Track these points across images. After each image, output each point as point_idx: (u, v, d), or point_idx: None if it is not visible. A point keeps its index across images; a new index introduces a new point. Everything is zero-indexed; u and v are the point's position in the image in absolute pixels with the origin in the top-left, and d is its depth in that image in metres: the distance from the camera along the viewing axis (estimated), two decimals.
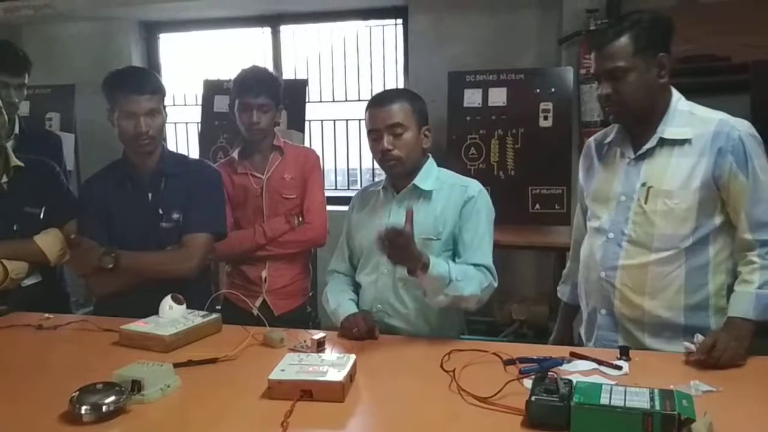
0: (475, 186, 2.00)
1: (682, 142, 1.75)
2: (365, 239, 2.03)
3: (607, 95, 1.75)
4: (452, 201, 1.97)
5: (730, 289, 1.75)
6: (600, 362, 1.60)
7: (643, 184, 1.78)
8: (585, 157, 2.01)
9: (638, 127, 1.81)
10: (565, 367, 1.59)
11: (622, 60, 1.71)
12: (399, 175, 1.99)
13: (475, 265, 1.91)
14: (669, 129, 1.76)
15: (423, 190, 1.98)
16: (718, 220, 1.75)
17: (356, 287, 2.11)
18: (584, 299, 1.95)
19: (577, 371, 1.57)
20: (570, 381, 1.36)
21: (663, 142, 1.77)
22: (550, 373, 1.41)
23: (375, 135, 1.95)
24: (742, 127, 1.73)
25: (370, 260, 2.04)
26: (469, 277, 1.86)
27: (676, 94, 1.81)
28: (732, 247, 1.76)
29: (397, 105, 1.93)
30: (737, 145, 1.70)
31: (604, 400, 1.27)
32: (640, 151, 1.80)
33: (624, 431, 1.23)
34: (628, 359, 1.63)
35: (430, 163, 2.03)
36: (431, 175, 2.00)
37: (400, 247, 1.70)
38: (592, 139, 2.01)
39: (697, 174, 1.72)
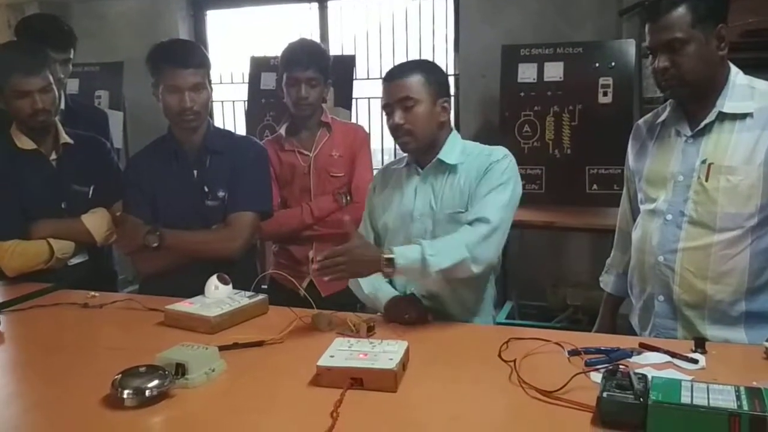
0: (499, 152, 1.87)
1: (743, 117, 1.66)
2: (391, 220, 1.94)
3: (665, 68, 1.66)
4: (474, 169, 1.85)
5: None
6: (673, 355, 1.48)
7: (703, 161, 1.69)
8: (634, 139, 1.92)
9: (695, 102, 1.72)
10: (635, 359, 1.47)
11: (680, 31, 1.62)
12: (414, 152, 1.88)
13: (471, 221, 1.76)
14: (729, 103, 1.68)
15: (448, 164, 1.87)
16: None
17: None
18: (637, 286, 1.85)
19: (649, 364, 1.44)
20: (645, 376, 1.24)
21: (723, 117, 1.68)
22: (622, 366, 1.29)
23: (388, 110, 1.85)
24: None
25: (397, 240, 1.91)
26: (449, 246, 1.71)
27: (733, 68, 1.72)
28: None
29: (409, 78, 1.82)
30: None
31: (684, 398, 1.15)
32: (698, 128, 1.71)
33: None
34: (703, 352, 1.50)
35: (454, 136, 1.91)
36: (456, 149, 1.89)
37: (345, 263, 1.64)
38: (641, 120, 1.94)
39: (760, 148, 1.63)
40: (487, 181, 1.81)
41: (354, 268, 1.69)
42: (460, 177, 1.86)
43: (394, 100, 1.82)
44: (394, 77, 1.85)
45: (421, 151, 1.88)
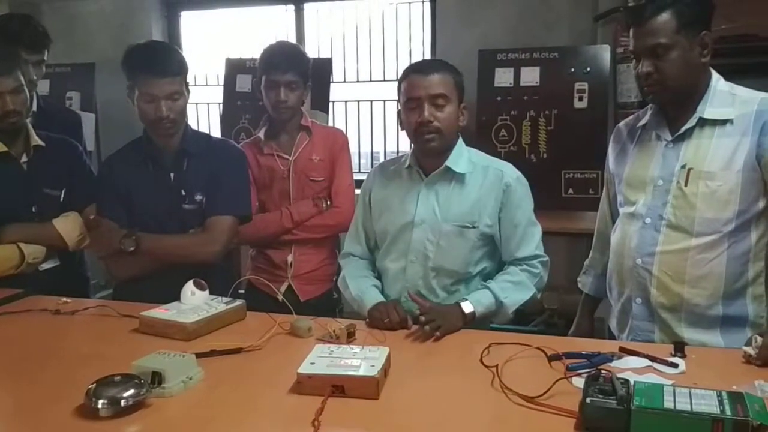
0: (511, 171, 1.89)
1: (723, 123, 1.68)
2: (391, 224, 1.91)
3: (648, 73, 1.67)
4: (488, 186, 1.85)
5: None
6: (653, 359, 1.48)
7: (683, 166, 1.70)
8: (615, 142, 1.93)
9: (676, 108, 1.74)
10: (616, 363, 1.47)
11: (664, 36, 1.63)
12: (434, 150, 1.84)
13: (520, 260, 1.86)
14: (709, 109, 1.69)
15: (456, 173, 1.85)
16: (761, 203, 1.67)
17: (375, 271, 2.01)
18: (616, 289, 1.87)
19: (629, 368, 1.45)
20: (627, 381, 1.24)
21: (703, 123, 1.70)
22: (604, 371, 1.29)
23: (414, 104, 1.80)
24: None
25: (396, 246, 1.92)
26: (517, 284, 1.84)
27: (715, 74, 1.74)
28: None
29: (441, 75, 1.79)
30: None
31: (667, 403, 1.15)
32: (679, 133, 1.73)
33: None
34: (683, 356, 1.51)
35: (461, 143, 1.90)
36: (463, 156, 1.88)
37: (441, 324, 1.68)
38: (622, 123, 1.95)
39: (739, 154, 1.65)
40: (516, 215, 1.86)
41: (444, 323, 1.69)
42: (469, 189, 1.85)
43: (426, 95, 1.77)
44: (427, 71, 1.80)
45: (438, 151, 1.84)
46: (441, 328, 1.66)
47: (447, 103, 1.79)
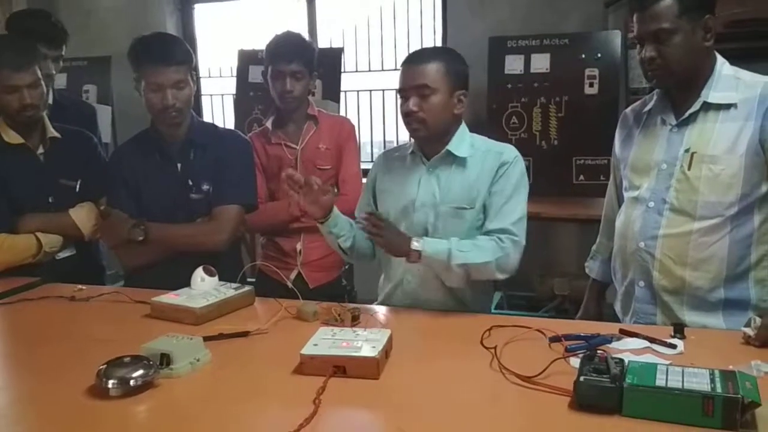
0: (510, 152, 1.88)
1: (727, 107, 1.69)
2: (392, 207, 1.93)
3: (651, 58, 1.68)
4: (486, 167, 1.86)
5: None
6: (652, 340, 1.50)
7: (687, 150, 1.71)
8: (622, 127, 1.94)
9: (681, 92, 1.75)
10: (615, 345, 1.50)
11: (666, 21, 1.64)
12: (423, 140, 1.87)
13: (492, 231, 1.81)
14: (713, 93, 1.70)
15: (457, 156, 1.87)
16: (765, 187, 1.68)
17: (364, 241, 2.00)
18: (620, 272, 1.88)
19: (628, 350, 1.47)
20: (621, 360, 1.27)
21: (707, 107, 1.70)
22: (599, 351, 1.31)
23: (403, 95, 1.83)
24: None
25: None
26: (478, 247, 1.78)
27: (720, 58, 1.73)
28: None
29: (429, 65, 1.79)
30: None
31: (659, 381, 1.17)
32: (683, 117, 1.73)
33: (681, 415, 1.13)
34: (682, 337, 1.53)
35: (463, 128, 1.91)
36: (464, 141, 1.89)
37: (385, 231, 1.74)
38: (629, 109, 1.96)
39: (743, 139, 1.65)
40: (502, 188, 1.83)
41: (389, 239, 1.76)
42: (469, 172, 1.86)
43: (411, 86, 1.80)
44: (413, 62, 1.82)
45: (431, 140, 1.86)
46: (382, 239, 1.76)
47: (432, 94, 1.79)
